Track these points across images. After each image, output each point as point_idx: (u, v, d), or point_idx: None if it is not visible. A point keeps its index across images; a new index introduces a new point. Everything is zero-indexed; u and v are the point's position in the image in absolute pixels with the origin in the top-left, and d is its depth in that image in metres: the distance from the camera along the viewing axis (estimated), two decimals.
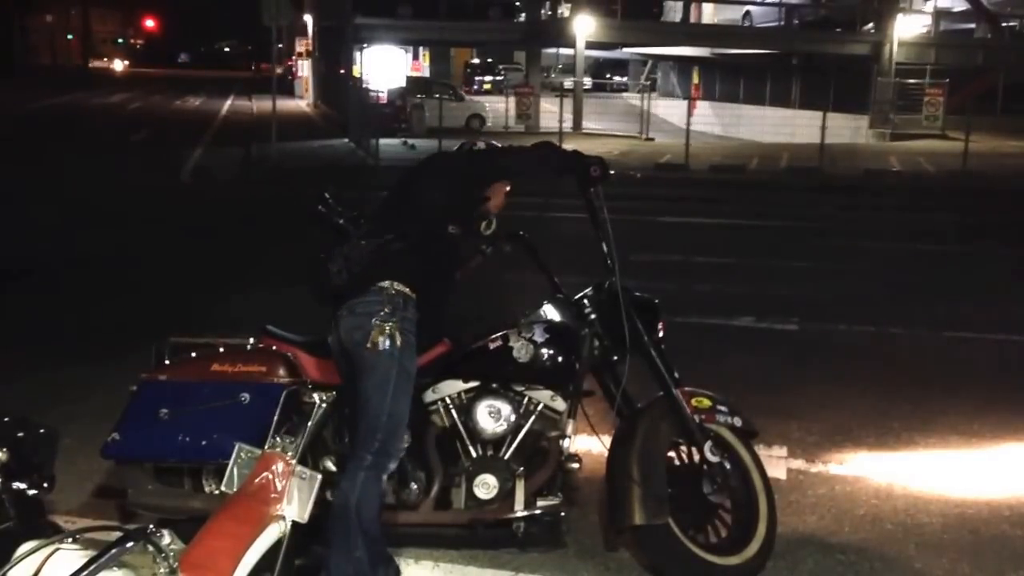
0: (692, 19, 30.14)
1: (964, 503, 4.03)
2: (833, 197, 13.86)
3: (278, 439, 2.40)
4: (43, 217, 10.72)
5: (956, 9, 26.47)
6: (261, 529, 2.16)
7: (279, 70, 37.20)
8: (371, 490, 2.85)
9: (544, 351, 3.31)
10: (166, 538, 1.66)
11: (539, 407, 3.37)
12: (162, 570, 1.65)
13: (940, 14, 26.10)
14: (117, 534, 1.62)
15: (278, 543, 2.20)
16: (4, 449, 1.82)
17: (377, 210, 3.19)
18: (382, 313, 2.87)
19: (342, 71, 27.03)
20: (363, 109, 20.02)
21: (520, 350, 3.29)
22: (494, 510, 3.30)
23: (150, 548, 1.64)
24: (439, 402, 3.34)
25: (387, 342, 2.84)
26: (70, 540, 1.73)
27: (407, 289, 2.95)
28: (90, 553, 1.63)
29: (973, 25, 26.78)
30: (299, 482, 2.33)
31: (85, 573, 1.54)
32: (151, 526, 1.68)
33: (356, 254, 2.96)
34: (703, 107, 28.82)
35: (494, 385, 3.34)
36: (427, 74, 39.77)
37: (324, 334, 3.48)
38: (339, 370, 3.11)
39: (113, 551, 1.58)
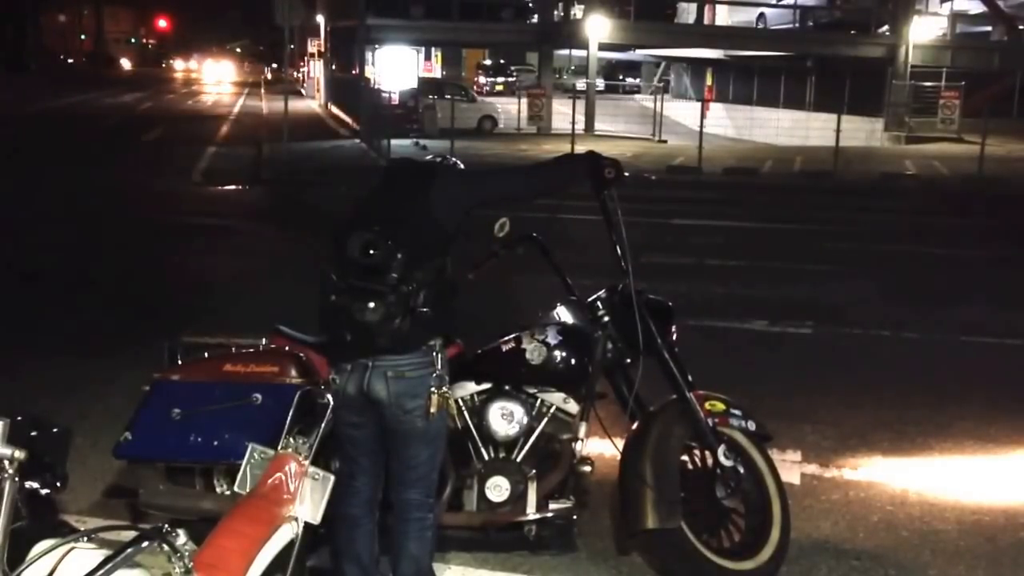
0: (706, 21, 30.06)
1: (980, 509, 3.99)
2: (847, 200, 13.80)
3: (291, 440, 2.40)
4: (55, 217, 10.77)
5: (972, 12, 26.30)
6: (274, 530, 2.16)
7: (295, 73, 37.36)
8: (435, 540, 2.95)
9: (557, 353, 3.30)
10: (181, 538, 1.66)
11: (552, 409, 3.36)
12: (177, 570, 1.65)
13: (956, 17, 25.93)
14: (132, 533, 1.62)
15: (291, 544, 2.20)
16: (22, 448, 1.81)
17: (386, 227, 2.73)
18: (435, 377, 2.75)
19: (354, 72, 27.09)
20: (375, 110, 20.05)
21: (533, 352, 3.28)
22: (506, 512, 3.29)
23: (165, 548, 1.64)
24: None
25: (444, 408, 2.79)
26: (85, 539, 1.73)
27: (442, 337, 2.83)
28: (105, 552, 1.62)
29: (989, 28, 26.60)
30: (312, 483, 2.33)
31: (101, 572, 1.54)
32: (166, 525, 1.68)
33: (389, 292, 2.63)
34: (716, 109, 28.73)
35: (507, 387, 3.33)
36: (439, 75, 39.83)
37: None
38: (344, 417, 2.83)
39: (129, 550, 1.57)
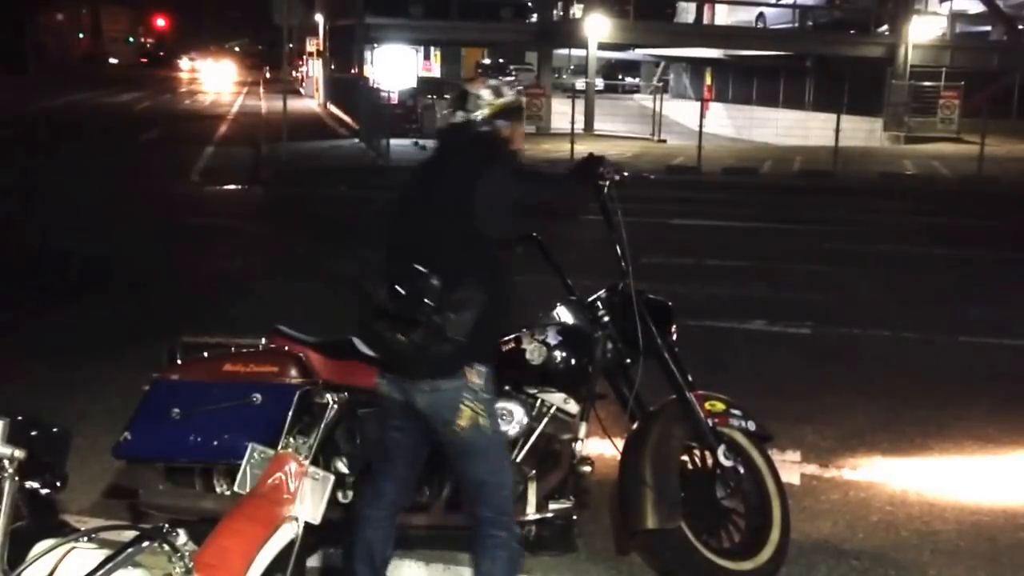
0: (705, 20, 30.06)
1: (980, 509, 4.00)
2: (847, 200, 13.80)
3: (291, 440, 2.40)
4: (54, 217, 10.76)
5: (972, 11, 26.31)
6: (274, 530, 2.16)
7: (294, 73, 37.30)
8: (514, 560, 2.84)
9: (557, 353, 3.29)
10: (181, 538, 1.66)
11: (551, 410, 3.35)
12: (177, 570, 1.64)
13: (955, 16, 25.93)
14: (132, 533, 1.62)
15: (291, 544, 2.20)
16: (21, 448, 1.81)
17: (409, 235, 2.71)
18: (470, 390, 2.66)
19: (353, 71, 27.07)
20: (374, 109, 20.02)
21: (533, 352, 3.27)
22: None
23: (166, 547, 1.63)
24: None
25: (482, 421, 2.70)
26: (85, 539, 1.72)
27: (487, 362, 2.73)
28: (105, 552, 1.62)
29: (989, 28, 26.61)
30: (312, 483, 2.32)
31: (101, 572, 1.54)
32: (166, 525, 1.67)
33: (430, 316, 2.54)
34: (716, 109, 28.74)
35: (506, 387, 3.32)
36: (438, 74, 39.79)
37: (336, 335, 3.48)
38: (388, 420, 2.87)
39: (129, 550, 1.57)
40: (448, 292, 2.56)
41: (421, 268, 2.56)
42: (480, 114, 2.80)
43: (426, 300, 2.53)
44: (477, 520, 2.82)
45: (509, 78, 2.98)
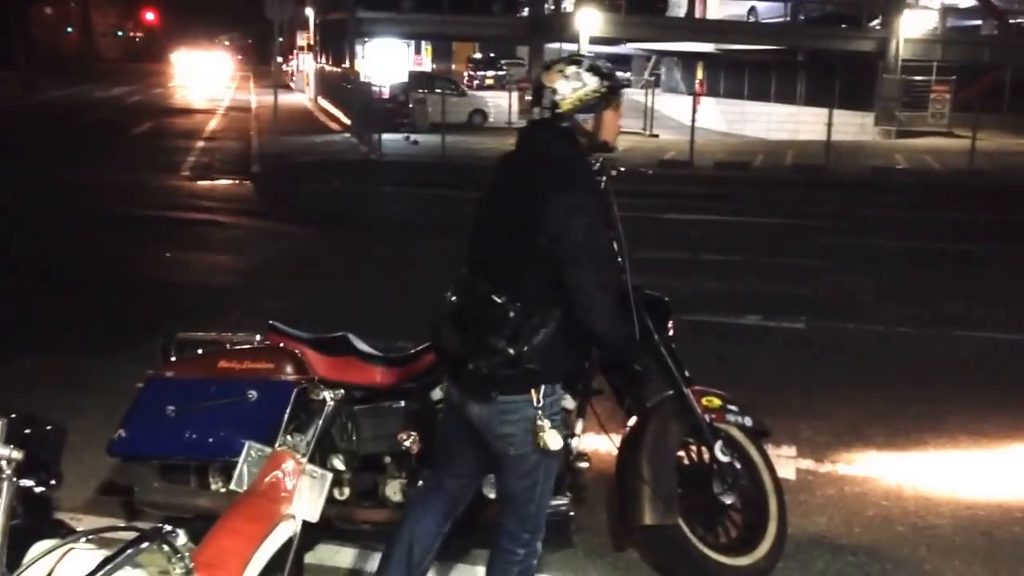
0: (697, 14, 30.04)
1: (975, 504, 4.01)
2: (839, 195, 13.82)
3: (288, 437, 2.38)
4: (47, 213, 10.70)
5: (963, 5, 26.38)
6: (272, 528, 2.14)
7: (284, 67, 37.19)
8: None
9: None
10: (181, 538, 1.64)
11: None
12: (177, 570, 1.63)
13: (947, 10, 26.01)
14: (131, 534, 1.60)
15: (289, 542, 2.19)
16: (18, 448, 1.79)
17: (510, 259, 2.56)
18: (533, 408, 2.54)
19: (344, 65, 26.99)
20: (365, 104, 19.96)
21: None
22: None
23: (165, 548, 1.62)
24: None
25: (537, 441, 2.55)
26: (84, 540, 1.71)
27: (558, 382, 2.62)
28: (104, 553, 1.61)
29: (980, 21, 26.69)
30: (310, 481, 2.31)
31: (101, 573, 1.52)
32: (167, 526, 1.66)
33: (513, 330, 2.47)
34: (707, 103, 28.71)
35: None
36: (429, 69, 39.68)
37: (332, 331, 3.47)
38: (447, 420, 2.82)
39: (129, 551, 1.55)
40: (525, 318, 2.48)
41: (497, 298, 2.48)
42: (557, 110, 2.58)
43: (505, 331, 2.46)
44: (501, 528, 2.78)
45: (597, 61, 2.64)
